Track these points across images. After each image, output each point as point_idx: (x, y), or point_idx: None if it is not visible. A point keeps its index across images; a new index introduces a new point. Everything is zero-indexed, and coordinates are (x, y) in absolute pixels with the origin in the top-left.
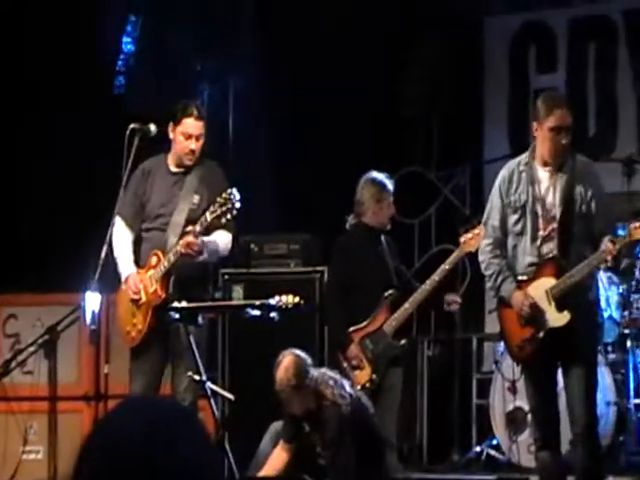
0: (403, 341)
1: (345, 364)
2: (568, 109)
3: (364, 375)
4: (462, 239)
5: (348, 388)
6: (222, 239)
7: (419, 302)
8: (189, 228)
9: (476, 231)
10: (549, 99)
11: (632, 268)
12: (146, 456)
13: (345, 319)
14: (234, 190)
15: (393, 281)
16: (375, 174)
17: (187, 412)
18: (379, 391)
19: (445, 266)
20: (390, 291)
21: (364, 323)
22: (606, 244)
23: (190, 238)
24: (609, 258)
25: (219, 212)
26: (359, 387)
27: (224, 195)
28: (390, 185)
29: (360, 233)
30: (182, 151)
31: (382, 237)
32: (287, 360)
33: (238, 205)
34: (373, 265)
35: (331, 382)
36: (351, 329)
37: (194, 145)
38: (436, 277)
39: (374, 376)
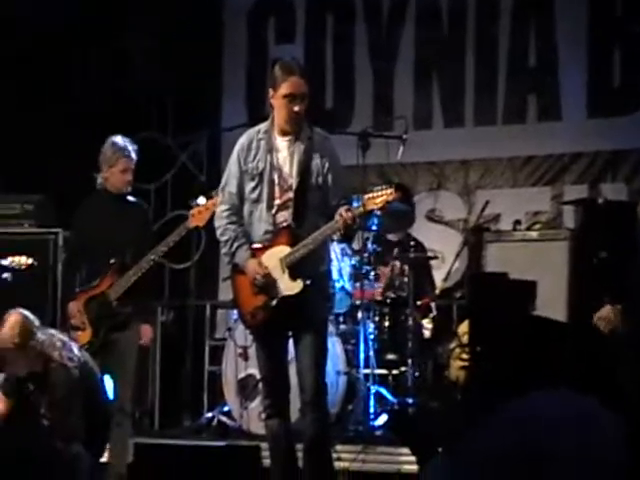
0: (128, 307)
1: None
2: (303, 77)
3: (85, 336)
4: (191, 212)
5: (76, 351)
6: None
7: (143, 270)
8: None
9: (208, 203)
10: (284, 66)
11: (365, 241)
12: None
13: (74, 280)
14: None
15: (127, 246)
16: (115, 137)
17: None
18: (110, 357)
19: (172, 238)
20: (119, 257)
21: (92, 285)
22: (340, 212)
23: None
24: (341, 225)
25: None
26: None
27: None
28: (126, 150)
29: (100, 196)
30: None
31: (124, 201)
32: (13, 319)
33: None
34: (107, 229)
35: (59, 344)
36: (78, 289)
37: None
38: (163, 248)
39: (94, 339)
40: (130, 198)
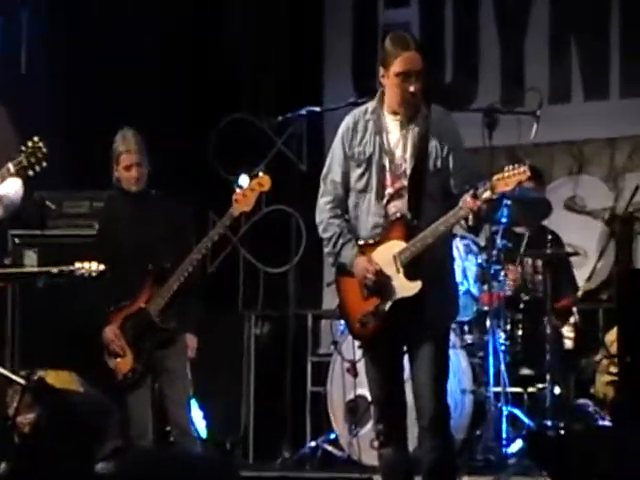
0: (173, 321)
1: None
2: (419, 52)
3: (126, 363)
4: (235, 197)
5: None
6: (15, 188)
7: (186, 274)
8: None
9: (253, 183)
10: (397, 40)
11: (492, 236)
12: None
13: (104, 297)
14: (39, 139)
15: (158, 252)
16: (121, 130)
17: None
18: (161, 378)
19: (216, 231)
20: (155, 264)
21: (125, 302)
22: (466, 199)
23: None
24: (470, 215)
25: (25, 163)
26: (121, 378)
27: (30, 144)
28: (127, 143)
29: (117, 197)
30: None
31: (145, 198)
32: None
33: (46, 155)
34: (130, 233)
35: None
36: (111, 309)
37: None
38: (207, 244)
39: (137, 365)
40: (153, 193)
